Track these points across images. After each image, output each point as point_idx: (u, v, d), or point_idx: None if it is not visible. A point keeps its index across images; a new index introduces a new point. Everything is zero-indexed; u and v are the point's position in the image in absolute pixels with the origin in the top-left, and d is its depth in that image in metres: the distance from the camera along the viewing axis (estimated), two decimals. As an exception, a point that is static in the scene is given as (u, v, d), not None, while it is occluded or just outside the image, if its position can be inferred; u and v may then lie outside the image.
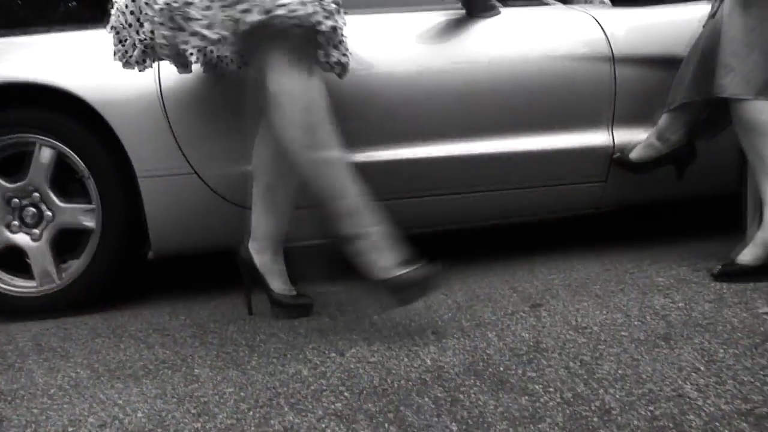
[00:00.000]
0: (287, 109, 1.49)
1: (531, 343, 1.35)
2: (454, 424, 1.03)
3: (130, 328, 1.79)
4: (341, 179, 1.51)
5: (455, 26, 2.10)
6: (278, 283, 1.74)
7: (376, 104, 2.02)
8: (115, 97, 1.95)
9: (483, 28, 2.11)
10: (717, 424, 0.95)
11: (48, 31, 2.26)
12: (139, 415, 1.18)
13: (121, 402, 1.25)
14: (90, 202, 1.99)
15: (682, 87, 1.87)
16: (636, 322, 1.43)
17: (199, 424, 1.12)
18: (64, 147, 1.97)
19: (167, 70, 1.97)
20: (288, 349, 1.48)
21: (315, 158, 1.51)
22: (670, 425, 0.96)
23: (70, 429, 1.14)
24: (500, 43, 2.10)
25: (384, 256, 1.47)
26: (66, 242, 2.10)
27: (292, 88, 1.48)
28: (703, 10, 1.93)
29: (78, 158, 1.97)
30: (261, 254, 1.73)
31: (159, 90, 1.96)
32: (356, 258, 1.49)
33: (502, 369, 1.23)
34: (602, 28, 2.16)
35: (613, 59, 2.12)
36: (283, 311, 1.73)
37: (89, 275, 2.00)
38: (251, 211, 1.75)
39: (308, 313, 1.74)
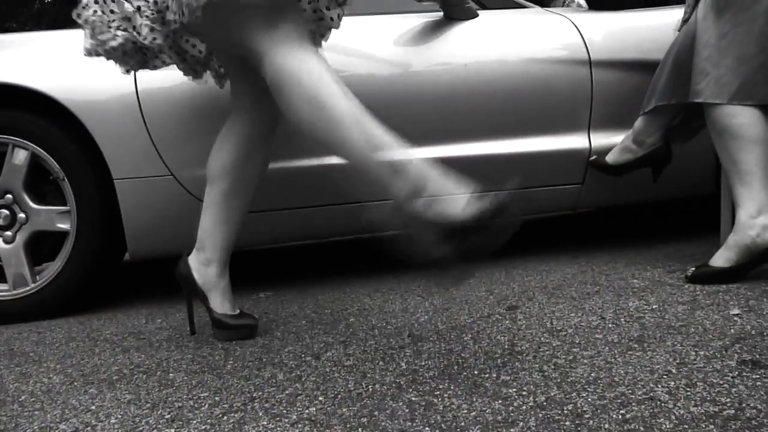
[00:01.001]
0: (294, 89, 1.31)
1: (506, 346, 1.36)
2: (427, 428, 1.03)
3: (106, 332, 1.77)
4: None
5: (433, 29, 2.10)
6: (220, 302, 1.59)
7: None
8: (91, 98, 1.94)
9: (461, 32, 2.11)
10: (686, 426, 0.96)
11: (21, 31, 2.23)
12: (113, 421, 1.17)
13: (94, 408, 1.24)
14: (65, 205, 1.98)
15: (657, 90, 1.89)
16: (610, 325, 1.44)
17: (172, 430, 1.11)
18: (39, 149, 1.95)
19: (144, 70, 1.96)
20: (264, 353, 1.47)
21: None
22: (641, 428, 0.97)
23: (41, 436, 1.13)
24: (478, 47, 2.11)
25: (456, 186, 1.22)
26: (44, 245, 2.09)
27: (291, 66, 1.31)
28: (681, 15, 1.95)
29: (53, 160, 1.95)
30: (207, 268, 1.60)
31: (136, 91, 1.95)
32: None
33: (476, 372, 1.23)
34: (580, 31, 2.17)
35: (590, 63, 2.14)
36: (224, 333, 1.59)
37: (64, 278, 1.98)
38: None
39: (252, 336, 1.60)
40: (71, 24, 2.20)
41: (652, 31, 2.19)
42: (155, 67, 1.55)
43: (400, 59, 2.07)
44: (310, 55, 1.33)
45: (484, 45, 2.11)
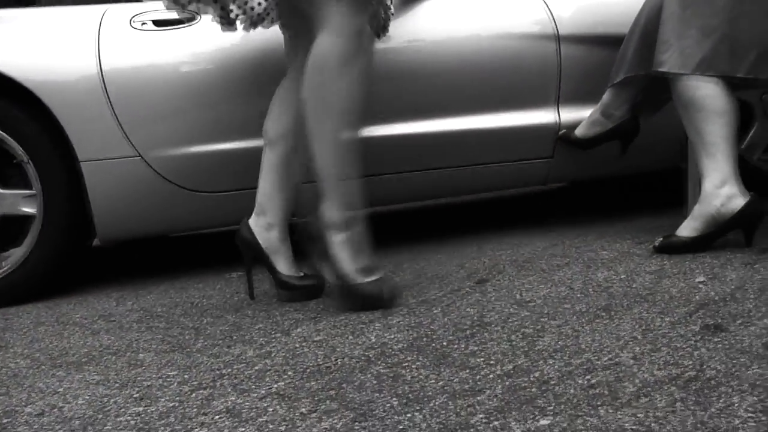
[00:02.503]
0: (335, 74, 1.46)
1: (475, 318, 1.36)
2: (394, 398, 1.03)
3: (75, 316, 1.75)
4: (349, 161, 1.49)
5: (401, 5, 2.09)
6: (285, 265, 1.64)
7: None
8: (54, 79, 1.90)
9: (429, 7, 2.10)
10: (649, 389, 0.97)
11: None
12: (80, 402, 1.16)
13: (61, 390, 1.23)
14: (30, 188, 1.94)
15: (625, 62, 1.90)
16: (579, 295, 1.45)
17: (140, 408, 1.11)
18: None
19: (108, 50, 1.92)
20: (234, 330, 1.47)
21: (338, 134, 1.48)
22: (605, 392, 0.98)
23: (5, 420, 1.12)
24: (446, 22, 2.10)
25: (351, 258, 1.48)
26: (10, 230, 2.05)
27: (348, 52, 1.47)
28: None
29: (15, 143, 1.91)
30: (269, 232, 1.63)
31: (100, 71, 1.91)
32: (325, 247, 1.50)
33: (445, 344, 1.24)
34: (547, 6, 2.17)
35: (558, 38, 2.14)
36: (290, 294, 1.64)
37: (31, 263, 1.94)
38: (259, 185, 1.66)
39: (318, 295, 1.65)
40: (28, 2, 2.14)
41: (619, 6, 2.19)
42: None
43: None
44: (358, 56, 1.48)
45: (453, 21, 2.10)
